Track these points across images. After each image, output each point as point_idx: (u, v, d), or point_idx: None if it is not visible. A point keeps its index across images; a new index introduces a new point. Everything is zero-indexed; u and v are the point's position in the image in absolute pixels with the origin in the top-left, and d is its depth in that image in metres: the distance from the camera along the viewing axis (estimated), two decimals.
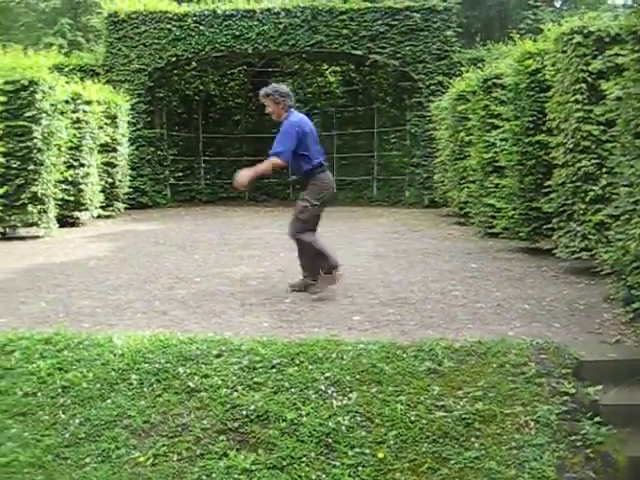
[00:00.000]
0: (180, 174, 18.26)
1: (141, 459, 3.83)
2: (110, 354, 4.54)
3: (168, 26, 16.94)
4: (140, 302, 5.99)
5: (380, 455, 3.75)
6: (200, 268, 7.68)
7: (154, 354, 4.52)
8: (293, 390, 4.21)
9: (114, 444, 3.93)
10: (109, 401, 4.20)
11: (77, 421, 4.08)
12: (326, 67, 20.47)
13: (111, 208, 14.08)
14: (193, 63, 18.24)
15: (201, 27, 16.92)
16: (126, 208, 14.89)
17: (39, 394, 4.30)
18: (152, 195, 16.77)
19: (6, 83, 10.18)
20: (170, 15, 16.97)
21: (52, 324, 5.23)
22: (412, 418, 4.02)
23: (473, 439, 3.89)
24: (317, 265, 6.29)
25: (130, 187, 15.20)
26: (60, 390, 4.30)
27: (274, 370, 4.36)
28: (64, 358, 4.55)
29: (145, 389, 4.27)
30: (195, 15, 16.98)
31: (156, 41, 16.92)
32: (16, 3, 28.48)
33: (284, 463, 3.78)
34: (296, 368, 4.38)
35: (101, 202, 13.14)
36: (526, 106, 8.20)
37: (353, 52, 16.80)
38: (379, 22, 16.58)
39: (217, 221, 13.36)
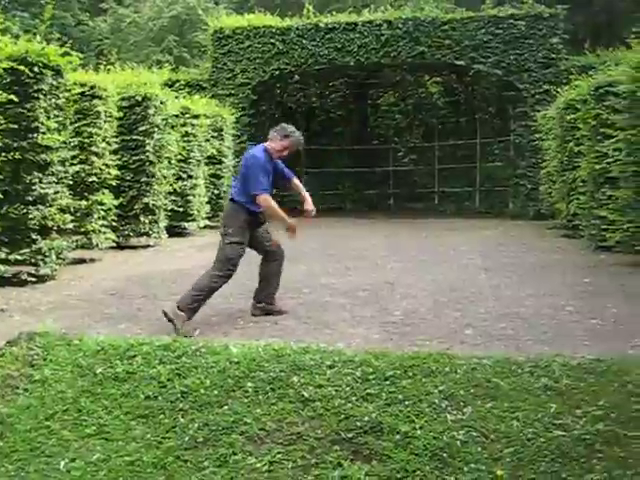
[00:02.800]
0: None
1: (258, 465, 3.90)
2: (226, 362, 4.66)
3: (272, 40, 17.29)
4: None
5: (499, 473, 3.66)
6: (307, 279, 7.78)
7: (269, 363, 4.61)
8: (407, 403, 4.19)
9: (231, 449, 4.01)
10: (226, 407, 4.30)
11: (196, 425, 4.20)
12: (427, 78, 20.38)
13: (216, 219, 14.46)
14: (296, 76, 18.54)
15: (304, 41, 17.17)
16: None
17: (160, 398, 4.45)
18: None
19: (122, 99, 10.67)
20: (273, 30, 17.33)
21: (169, 331, 5.42)
22: (529, 436, 3.91)
23: (595, 461, 3.73)
24: None
25: None
26: (179, 395, 4.43)
27: (387, 382, 4.35)
28: (182, 364, 4.69)
29: (260, 397, 4.34)
30: (298, 29, 17.25)
31: (260, 55, 17.31)
32: (127, 24, 29.76)
33: (398, 476, 3.76)
34: (409, 381, 4.36)
35: (207, 213, 13.54)
36: None
37: (455, 62, 16.64)
38: (482, 31, 16.36)
39: (320, 232, 13.44)
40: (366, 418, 4.08)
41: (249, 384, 4.44)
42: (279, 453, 3.96)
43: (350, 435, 4.01)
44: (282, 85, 19.19)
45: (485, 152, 18.70)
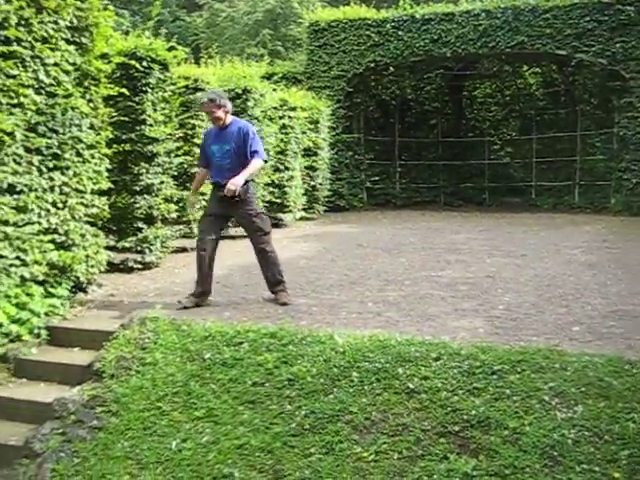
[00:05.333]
0: (376, 178, 18.46)
1: (364, 454, 3.94)
2: (332, 351, 4.71)
3: (367, 32, 17.22)
4: (354, 302, 6.16)
5: (615, 475, 3.56)
6: (407, 271, 7.73)
7: (374, 353, 4.63)
8: (515, 398, 4.13)
9: (337, 437, 4.07)
10: (331, 396, 4.36)
11: (302, 413, 4.28)
12: (526, 68, 19.83)
13: (312, 210, 14.63)
14: (390, 68, 18.38)
15: (399, 32, 17.01)
16: (325, 211, 15.40)
17: (267, 384, 4.56)
18: (349, 199, 17.15)
19: (223, 92, 10.86)
20: (369, 22, 17.24)
21: (273, 319, 5.53)
22: None
23: None
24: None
25: (329, 190, 15.73)
26: (286, 382, 4.53)
27: (494, 377, 4.30)
28: (289, 352, 4.78)
29: (366, 387, 4.38)
30: (394, 20, 17.09)
31: (355, 47, 17.27)
32: (222, 18, 30.31)
33: (506, 472, 3.71)
34: (517, 376, 4.29)
35: (303, 204, 13.69)
36: None
37: (556, 52, 16.08)
38: (586, 19, 15.71)
39: (416, 225, 13.38)
40: (473, 412, 4.05)
41: (354, 374, 4.48)
42: (385, 443, 3.99)
43: (457, 428, 3.99)
44: (377, 77, 19.10)
45: (586, 145, 18.01)
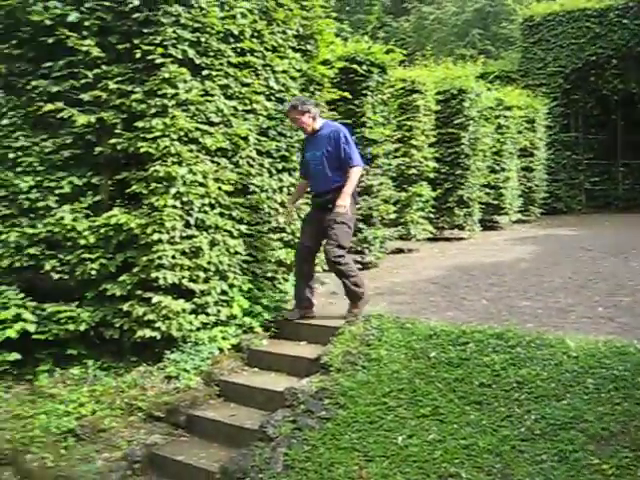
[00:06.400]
0: (596, 179, 17.46)
1: (603, 467, 3.70)
2: (563, 355, 4.50)
3: (587, 24, 16.37)
4: (582, 306, 5.87)
5: None
6: None
7: (610, 360, 4.36)
8: None
9: (571, 446, 3.87)
10: (564, 402, 4.16)
11: (532, 417, 4.12)
12: None
13: (527, 213, 14.16)
14: (613, 61, 17.30)
15: (625, 20, 15.96)
16: (541, 213, 14.84)
17: (494, 386, 4.45)
18: (567, 201, 16.39)
19: (438, 93, 10.87)
20: (589, 12, 16.38)
21: (497, 321, 5.40)
22: None
23: None
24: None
25: (545, 192, 15.12)
26: (514, 385, 4.39)
27: None
28: (516, 354, 4.64)
29: (602, 395, 4.13)
30: (618, 9, 16.08)
31: (574, 41, 16.49)
32: (430, 21, 30.26)
33: None
34: None
35: (518, 207, 13.30)
36: None
37: None
38: None
39: None
40: None
41: (589, 380, 4.24)
42: (627, 457, 3.72)
43: None
44: (597, 72, 18.05)
45: None
